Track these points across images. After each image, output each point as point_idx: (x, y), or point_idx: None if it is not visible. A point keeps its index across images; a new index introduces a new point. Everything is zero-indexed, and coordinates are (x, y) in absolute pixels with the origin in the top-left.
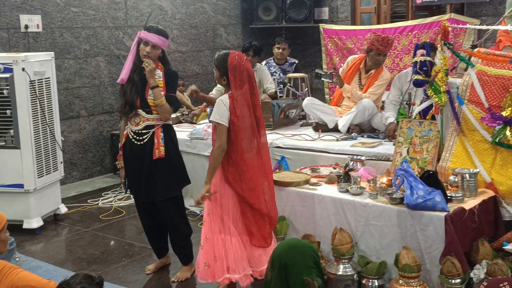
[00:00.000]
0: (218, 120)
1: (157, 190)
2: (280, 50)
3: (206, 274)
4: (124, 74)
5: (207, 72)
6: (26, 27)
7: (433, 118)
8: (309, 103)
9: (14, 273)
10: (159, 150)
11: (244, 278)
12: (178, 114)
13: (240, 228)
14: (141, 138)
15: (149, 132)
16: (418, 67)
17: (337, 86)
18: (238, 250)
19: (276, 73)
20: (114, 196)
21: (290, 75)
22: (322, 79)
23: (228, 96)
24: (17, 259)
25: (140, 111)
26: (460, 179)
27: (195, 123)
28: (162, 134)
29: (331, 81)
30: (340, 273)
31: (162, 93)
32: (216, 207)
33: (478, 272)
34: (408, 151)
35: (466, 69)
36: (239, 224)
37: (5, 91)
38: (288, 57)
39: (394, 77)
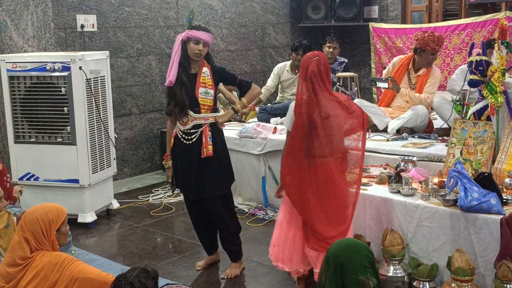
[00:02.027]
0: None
1: (206, 188)
2: (331, 49)
3: (271, 254)
4: (171, 76)
5: (255, 71)
6: (82, 26)
7: (488, 119)
8: (359, 104)
9: (75, 265)
10: (207, 149)
11: (295, 273)
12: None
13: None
14: (189, 137)
15: (197, 131)
16: (473, 66)
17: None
18: (295, 245)
19: None
20: (164, 193)
21: (340, 74)
22: (378, 85)
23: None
24: (73, 251)
25: (188, 110)
26: None
27: (244, 122)
28: (210, 133)
29: (387, 87)
30: (390, 274)
31: (247, 107)
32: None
33: None
34: (461, 152)
35: None
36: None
37: (62, 89)
38: (337, 56)
39: (462, 67)
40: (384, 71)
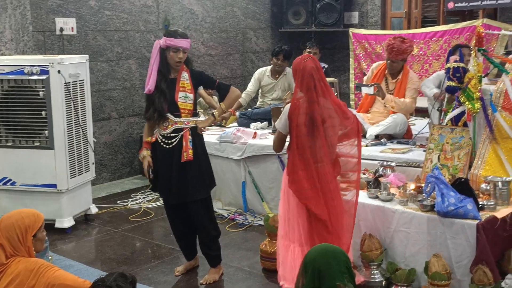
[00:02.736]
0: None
1: (186, 192)
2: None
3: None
4: (150, 85)
5: (236, 75)
6: (61, 30)
7: (465, 125)
8: None
9: (51, 271)
10: (188, 153)
11: None
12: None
13: (307, 236)
14: (170, 141)
15: (177, 135)
16: (451, 73)
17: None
18: (295, 260)
19: None
20: (143, 198)
21: None
22: (363, 91)
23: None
24: (50, 257)
25: (168, 115)
26: (492, 187)
27: (225, 127)
28: (190, 137)
29: (372, 93)
30: (368, 279)
31: (228, 110)
32: (284, 208)
33: (510, 282)
34: (439, 158)
35: (497, 76)
36: (306, 231)
37: (41, 93)
38: None
39: (438, 72)
40: (365, 78)
